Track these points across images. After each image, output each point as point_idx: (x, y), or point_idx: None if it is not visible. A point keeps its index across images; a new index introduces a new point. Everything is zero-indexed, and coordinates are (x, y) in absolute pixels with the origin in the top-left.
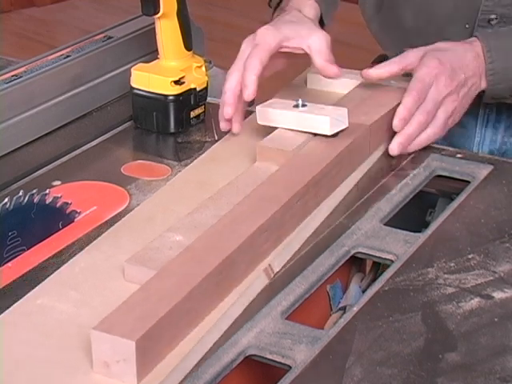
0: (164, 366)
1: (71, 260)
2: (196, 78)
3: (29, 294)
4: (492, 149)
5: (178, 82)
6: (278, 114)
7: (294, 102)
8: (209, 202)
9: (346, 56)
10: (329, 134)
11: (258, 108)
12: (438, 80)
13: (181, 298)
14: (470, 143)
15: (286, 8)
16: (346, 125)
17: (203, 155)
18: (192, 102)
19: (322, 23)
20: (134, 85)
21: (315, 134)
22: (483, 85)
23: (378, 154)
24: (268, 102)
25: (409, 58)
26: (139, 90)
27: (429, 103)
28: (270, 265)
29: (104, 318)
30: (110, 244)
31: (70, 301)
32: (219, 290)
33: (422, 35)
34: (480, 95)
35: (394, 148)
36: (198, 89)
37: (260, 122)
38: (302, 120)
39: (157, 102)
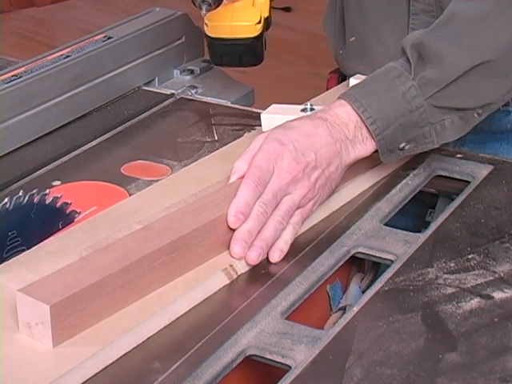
0: (88, 334)
1: (42, 242)
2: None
3: None
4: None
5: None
6: (287, 120)
7: (301, 107)
8: (190, 198)
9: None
10: None
11: (263, 115)
12: (279, 164)
13: (114, 271)
14: None
15: None
16: None
17: (213, 153)
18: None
19: None
20: (213, 35)
21: None
22: (360, 149)
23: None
24: (269, 108)
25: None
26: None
27: (268, 193)
28: (231, 265)
29: (33, 281)
30: (84, 232)
31: (24, 282)
32: (169, 270)
33: (359, 38)
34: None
35: (233, 251)
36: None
37: (266, 129)
38: None
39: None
